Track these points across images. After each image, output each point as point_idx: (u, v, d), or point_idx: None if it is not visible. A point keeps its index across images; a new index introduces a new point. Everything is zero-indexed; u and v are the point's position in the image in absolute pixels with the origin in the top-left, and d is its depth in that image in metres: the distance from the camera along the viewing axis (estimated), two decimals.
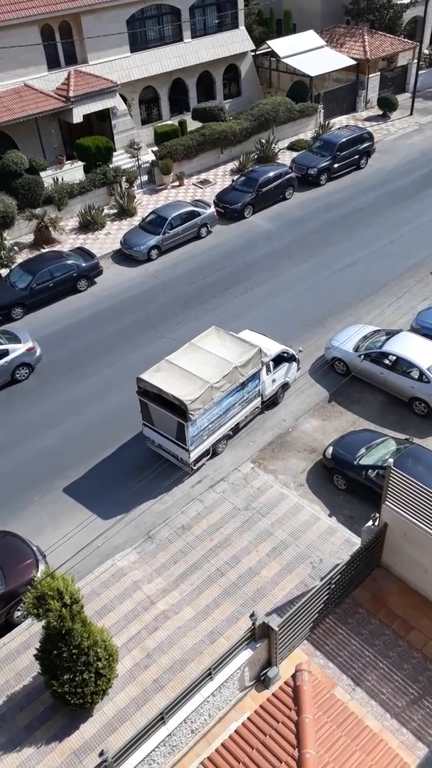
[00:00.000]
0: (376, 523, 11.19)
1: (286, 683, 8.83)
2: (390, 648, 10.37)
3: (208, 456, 16.67)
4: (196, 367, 15.76)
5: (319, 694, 8.70)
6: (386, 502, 10.72)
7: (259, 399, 17.53)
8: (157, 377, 15.59)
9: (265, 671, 10.21)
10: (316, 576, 13.43)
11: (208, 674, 9.73)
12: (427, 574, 10.62)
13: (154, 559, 14.49)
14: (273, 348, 17.53)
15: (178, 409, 15.12)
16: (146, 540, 14.95)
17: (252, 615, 10.16)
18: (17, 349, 19.49)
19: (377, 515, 11.19)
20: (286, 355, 17.94)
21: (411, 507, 10.42)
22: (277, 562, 14.07)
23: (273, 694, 8.82)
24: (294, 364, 18.37)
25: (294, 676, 8.79)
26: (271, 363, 17.32)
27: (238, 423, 17.11)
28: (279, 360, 17.70)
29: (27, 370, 19.90)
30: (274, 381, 17.74)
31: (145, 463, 16.71)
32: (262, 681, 10.22)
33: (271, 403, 18.10)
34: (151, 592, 13.78)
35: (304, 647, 10.61)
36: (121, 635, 12.91)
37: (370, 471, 15.02)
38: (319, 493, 15.87)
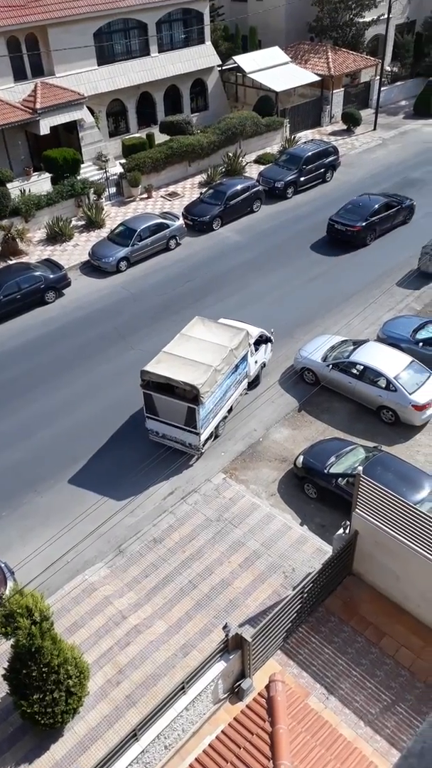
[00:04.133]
0: (347, 531, 11.26)
1: (259, 694, 8.78)
2: (363, 655, 10.41)
3: (213, 438, 17.33)
4: (196, 354, 16.40)
5: (293, 704, 8.66)
6: (356, 510, 10.81)
7: (246, 380, 18.52)
8: (162, 367, 16.08)
9: (238, 683, 10.13)
10: (288, 585, 13.45)
11: (181, 688, 9.61)
12: (398, 581, 10.72)
13: (126, 573, 14.32)
14: (253, 331, 18.48)
15: (188, 394, 15.76)
16: (117, 554, 14.77)
17: (225, 627, 10.10)
18: None
19: (348, 523, 11.26)
20: (263, 336, 18.99)
21: (381, 514, 10.53)
22: (250, 572, 14.04)
23: (247, 706, 8.75)
24: (269, 345, 19.47)
25: (268, 687, 8.75)
26: (252, 345, 18.17)
27: (231, 405, 17.85)
28: (258, 342, 18.67)
29: None
30: (256, 362, 18.79)
31: (117, 475, 16.56)
32: (236, 693, 10.13)
33: (253, 383, 19.13)
34: (123, 606, 13.60)
35: (278, 657, 10.57)
36: (92, 652, 12.69)
37: (340, 479, 15.15)
38: (291, 502, 15.93)
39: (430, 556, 9.89)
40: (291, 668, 10.42)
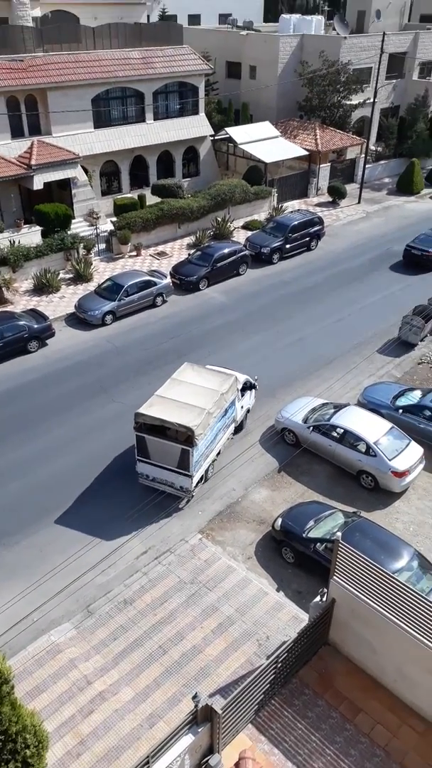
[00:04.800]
0: (324, 599, 11.01)
1: None
2: (337, 732, 9.98)
3: (203, 481, 17.53)
4: (188, 398, 16.70)
5: None
6: (334, 577, 10.61)
7: (233, 425, 18.94)
8: (156, 410, 16.26)
9: (206, 759, 9.58)
10: (262, 654, 12.99)
11: (146, 763, 9.06)
12: (375, 653, 10.42)
13: (93, 635, 13.74)
14: (240, 377, 19.05)
15: (181, 436, 16.02)
16: (86, 615, 14.21)
17: (194, 696, 9.63)
18: None
19: (325, 590, 11.03)
20: (247, 383, 19.53)
21: (358, 582, 10.34)
22: (223, 639, 13.56)
23: None
24: (253, 391, 20.01)
25: (237, 765, 8.29)
26: (239, 390, 18.71)
27: (219, 450, 18.14)
28: (243, 388, 19.21)
29: None
30: (242, 407, 19.36)
31: (89, 531, 16.13)
32: None
33: (239, 427, 19.65)
34: (88, 671, 12.97)
35: (248, 731, 10.08)
36: (53, 719, 11.99)
37: (318, 544, 14.92)
38: (268, 567, 15.59)
39: (407, 628, 9.67)
40: (262, 744, 9.93)
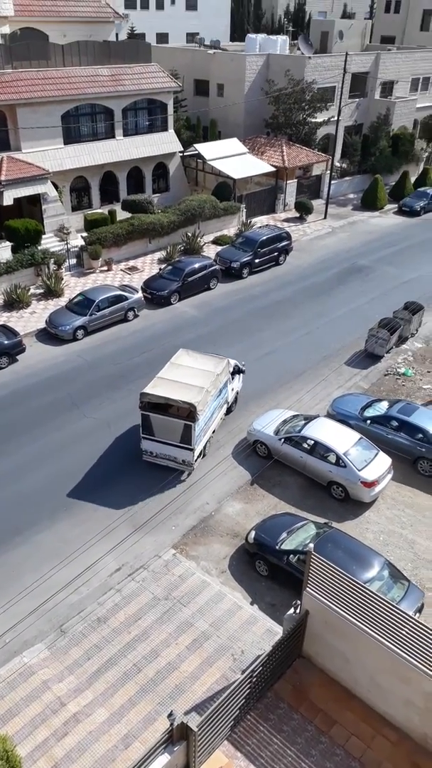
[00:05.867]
0: (298, 611, 11.10)
1: None
2: (312, 745, 10.03)
3: (201, 457, 18.79)
4: (188, 379, 18.30)
5: None
6: (307, 589, 10.71)
7: (226, 406, 20.54)
8: (159, 389, 17.82)
9: None
10: (237, 669, 12.99)
11: None
12: (349, 664, 10.53)
13: (67, 655, 13.56)
14: (231, 362, 20.74)
15: (184, 412, 17.62)
16: (59, 634, 14.02)
17: (170, 715, 9.59)
18: None
19: (298, 602, 11.12)
20: (237, 368, 21.26)
21: (331, 593, 10.46)
22: (198, 655, 13.53)
23: None
24: (242, 375, 21.61)
25: None
26: (230, 374, 20.43)
27: (214, 428, 19.58)
28: (233, 372, 20.95)
29: None
30: (232, 389, 20.93)
31: (60, 550, 15.96)
32: None
33: (229, 410, 21.09)
34: (62, 692, 12.79)
35: (225, 748, 10.06)
36: (26, 743, 11.77)
37: (291, 556, 15.04)
38: (242, 580, 15.63)
39: (378, 637, 9.82)
40: (238, 761, 9.93)
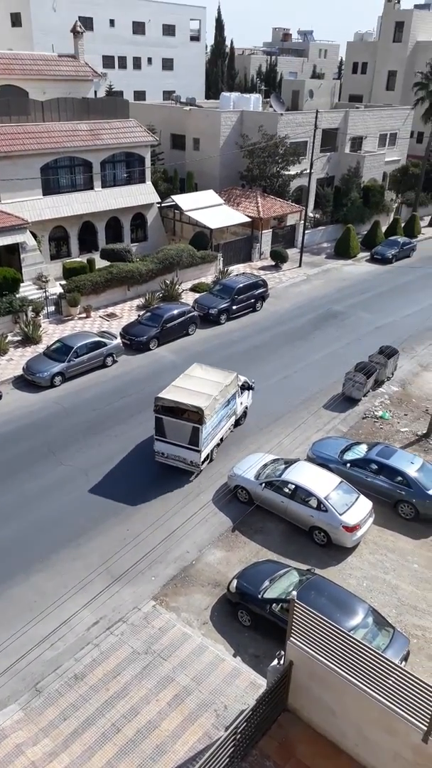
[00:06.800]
0: (282, 662, 10.81)
1: None
2: None
3: (209, 461, 20.49)
4: (198, 387, 20.19)
5: None
6: (291, 639, 10.47)
7: (234, 417, 22.09)
8: (172, 395, 19.69)
9: None
10: (220, 725, 12.50)
11: None
12: (335, 717, 10.22)
13: (42, 716, 12.93)
14: (240, 377, 22.35)
15: (193, 416, 19.21)
16: (33, 694, 13.41)
17: None
18: None
19: (282, 653, 10.85)
20: (246, 384, 22.79)
21: (315, 643, 10.23)
22: (179, 711, 13.01)
23: None
24: (251, 392, 23.17)
25: None
26: (239, 388, 22.05)
27: (222, 437, 21.27)
28: (242, 387, 22.50)
29: None
30: (241, 403, 22.60)
31: (34, 604, 15.44)
32: None
33: (239, 422, 22.82)
34: (36, 756, 12.13)
35: None
36: None
37: (274, 605, 14.73)
38: (224, 631, 15.22)
39: (365, 687, 9.57)
40: None
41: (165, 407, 19.65)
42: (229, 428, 21.95)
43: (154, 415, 19.80)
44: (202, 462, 19.91)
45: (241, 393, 22.39)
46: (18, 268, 30.99)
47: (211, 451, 20.55)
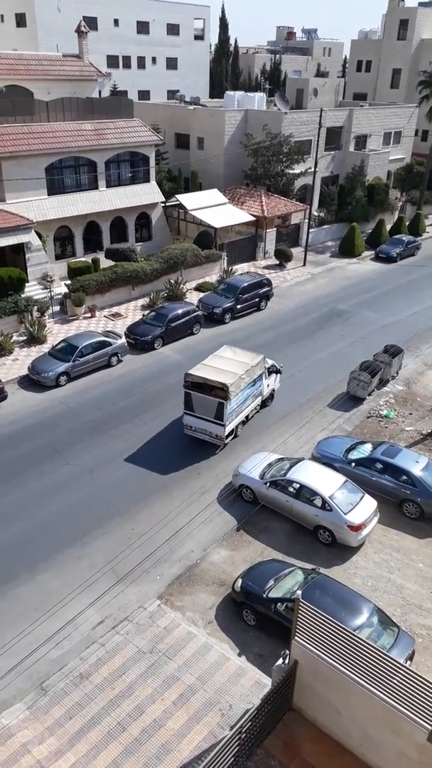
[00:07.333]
0: (286, 661, 10.82)
1: None
2: None
3: (233, 436, 21.77)
4: (226, 366, 21.50)
5: None
6: (296, 638, 10.47)
7: (260, 398, 23.23)
8: (201, 372, 21.06)
9: None
10: (225, 724, 12.52)
11: None
12: (340, 716, 10.22)
13: (47, 714, 12.98)
14: (268, 361, 23.46)
15: (219, 392, 20.54)
16: (39, 693, 13.46)
17: None
18: None
19: (287, 652, 10.85)
20: (274, 368, 23.90)
21: (320, 642, 10.23)
22: (184, 710, 13.04)
23: None
24: (278, 375, 24.35)
25: None
26: (266, 370, 23.13)
27: (247, 415, 22.48)
28: (270, 371, 23.59)
29: None
30: (268, 385, 23.71)
31: (40, 603, 15.49)
32: None
33: (265, 403, 23.94)
34: (42, 755, 12.18)
35: None
36: None
37: (279, 604, 14.73)
38: (229, 630, 15.24)
39: (369, 686, 9.57)
40: None
41: (194, 383, 20.92)
42: (256, 408, 23.04)
43: (183, 390, 21.13)
44: (227, 436, 21.17)
45: (268, 375, 23.42)
46: (23, 268, 31.07)
47: (236, 427, 21.75)
